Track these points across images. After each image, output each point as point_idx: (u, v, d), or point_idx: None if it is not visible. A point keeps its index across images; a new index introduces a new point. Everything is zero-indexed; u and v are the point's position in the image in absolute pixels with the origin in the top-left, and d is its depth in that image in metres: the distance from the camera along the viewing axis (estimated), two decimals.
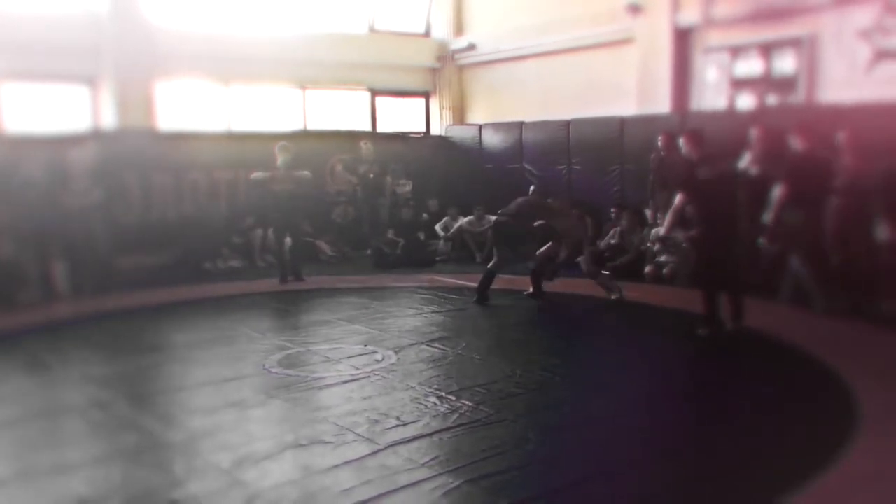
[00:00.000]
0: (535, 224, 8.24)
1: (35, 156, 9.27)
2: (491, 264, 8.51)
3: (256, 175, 9.90)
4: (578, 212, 9.29)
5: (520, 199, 8.49)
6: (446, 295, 8.97)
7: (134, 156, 10.46)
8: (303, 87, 13.07)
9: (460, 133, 13.75)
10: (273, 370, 5.95)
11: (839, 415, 4.76)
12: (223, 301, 8.82)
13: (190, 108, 11.94)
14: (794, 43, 9.51)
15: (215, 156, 11.31)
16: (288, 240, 9.94)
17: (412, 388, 5.44)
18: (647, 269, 9.30)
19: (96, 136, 10.42)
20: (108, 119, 10.97)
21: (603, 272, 8.52)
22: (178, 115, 11.66)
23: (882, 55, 8.66)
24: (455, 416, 4.85)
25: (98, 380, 5.82)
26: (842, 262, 7.63)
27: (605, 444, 4.60)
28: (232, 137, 11.89)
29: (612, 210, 10.36)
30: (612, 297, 8.27)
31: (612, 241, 10.12)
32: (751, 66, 10.07)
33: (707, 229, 6.49)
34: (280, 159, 9.78)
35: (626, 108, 10.92)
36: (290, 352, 6.47)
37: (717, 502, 3.78)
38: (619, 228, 10.14)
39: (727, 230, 6.52)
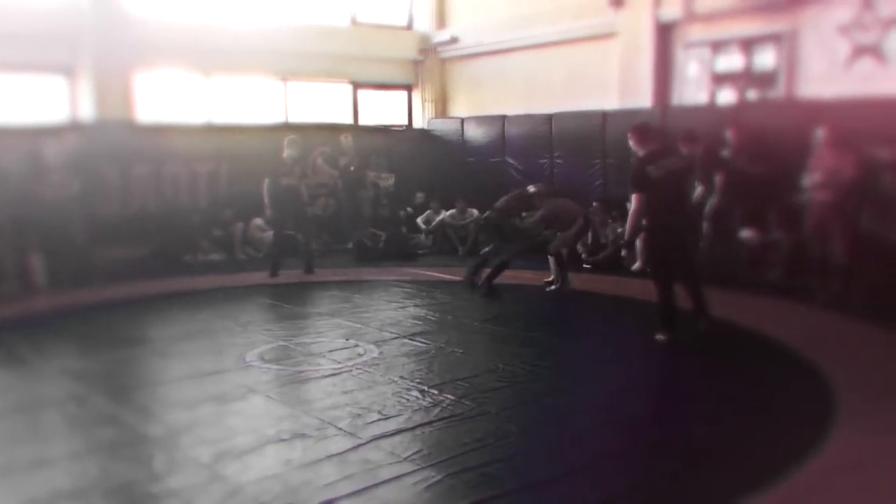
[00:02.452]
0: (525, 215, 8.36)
1: (12, 147, 9.15)
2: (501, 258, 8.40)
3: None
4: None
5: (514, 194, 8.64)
6: (428, 289, 8.96)
7: (113, 148, 10.35)
8: (284, 79, 12.98)
9: (442, 126, 13.72)
10: (254, 364, 5.92)
11: (817, 407, 4.80)
12: (203, 294, 8.76)
13: (170, 99, 11.81)
14: (775, 38, 9.57)
15: (195, 148, 11.21)
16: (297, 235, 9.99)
17: (394, 381, 5.43)
18: (637, 265, 9.31)
19: (74, 127, 10.30)
20: (87, 110, 10.83)
21: (563, 258, 8.54)
22: (157, 106, 11.53)
23: (861, 51, 8.74)
24: (437, 409, 4.85)
25: (76, 374, 5.76)
26: (820, 255, 7.73)
27: (587, 437, 4.62)
28: (212, 130, 11.78)
29: (594, 204, 10.39)
30: (549, 288, 8.45)
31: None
32: (731, 60, 10.13)
33: (654, 223, 6.23)
34: (286, 153, 9.77)
35: (608, 101, 10.95)
36: (271, 345, 6.43)
37: (696, 494, 3.81)
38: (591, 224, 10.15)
39: (677, 223, 6.29)
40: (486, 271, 8.48)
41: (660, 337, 6.31)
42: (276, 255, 9.83)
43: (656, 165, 6.14)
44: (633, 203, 6.17)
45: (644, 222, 6.28)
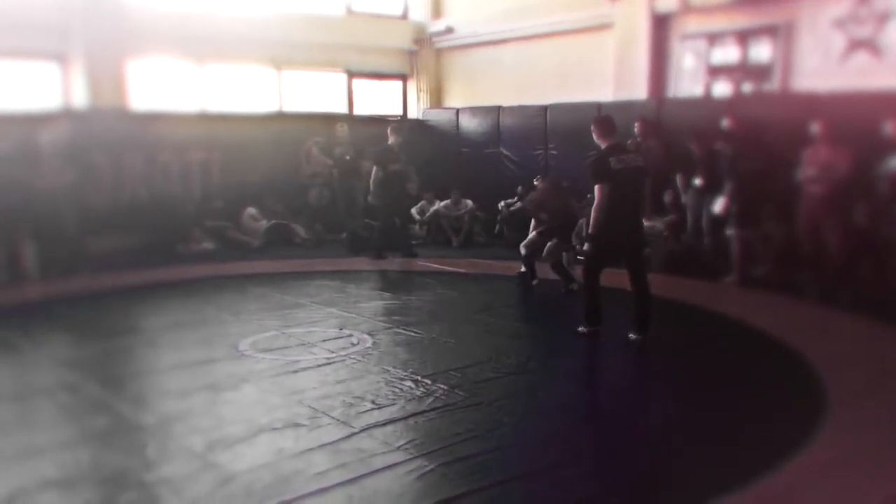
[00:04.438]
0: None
1: (4, 134, 9.08)
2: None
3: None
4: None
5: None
6: (422, 279, 8.96)
7: (105, 135, 10.28)
8: (278, 67, 12.92)
9: (437, 117, 13.68)
10: (247, 353, 5.91)
11: (806, 400, 4.82)
12: (196, 283, 8.73)
13: (163, 87, 11.74)
14: (770, 31, 9.57)
15: (188, 137, 11.16)
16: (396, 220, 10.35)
17: (387, 371, 5.43)
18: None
19: (67, 114, 10.23)
20: (80, 98, 10.76)
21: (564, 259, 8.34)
22: (150, 94, 11.47)
23: (856, 45, 8.74)
24: (430, 399, 4.85)
25: (68, 362, 5.75)
26: (812, 250, 7.76)
27: (579, 428, 4.64)
28: (205, 118, 11.72)
29: (588, 196, 10.37)
30: (572, 286, 8.02)
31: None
32: (727, 53, 10.12)
33: (606, 216, 5.95)
34: (392, 140, 10.14)
35: (604, 93, 10.91)
36: (264, 335, 6.42)
37: (686, 486, 3.82)
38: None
39: (627, 220, 6.07)
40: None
41: (581, 329, 6.23)
42: (384, 240, 10.16)
43: (617, 158, 6.04)
44: (596, 195, 6.01)
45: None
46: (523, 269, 8.49)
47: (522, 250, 8.29)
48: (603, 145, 6.22)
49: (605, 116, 6.50)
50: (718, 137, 8.57)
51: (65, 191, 9.14)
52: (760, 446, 4.15)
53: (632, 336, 6.14)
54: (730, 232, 8.32)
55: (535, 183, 8.87)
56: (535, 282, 8.31)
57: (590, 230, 6.08)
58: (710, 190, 8.57)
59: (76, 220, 9.29)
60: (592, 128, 6.31)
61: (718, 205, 8.31)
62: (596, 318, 6.21)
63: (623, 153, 6.18)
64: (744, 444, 4.23)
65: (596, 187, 6.03)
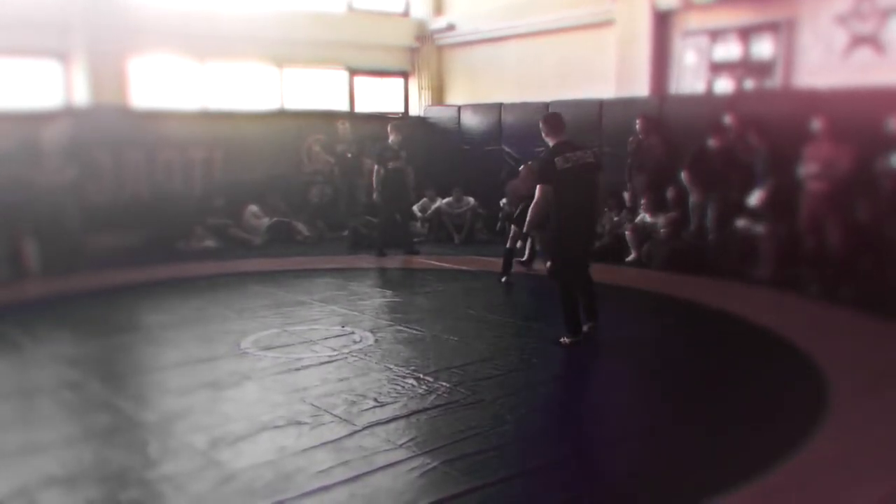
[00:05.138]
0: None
1: (6, 132, 9.08)
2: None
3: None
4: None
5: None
6: (423, 276, 8.95)
7: (107, 133, 10.28)
8: (280, 65, 12.91)
9: (439, 114, 13.68)
10: (249, 351, 5.91)
11: (808, 397, 4.81)
12: (197, 281, 8.73)
13: (164, 85, 11.74)
14: (772, 27, 9.55)
15: (189, 134, 11.16)
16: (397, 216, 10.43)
17: (390, 369, 5.43)
18: (631, 256, 9.35)
19: (69, 112, 10.23)
20: (81, 95, 10.76)
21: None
22: (152, 92, 11.47)
23: (858, 41, 8.72)
24: (432, 397, 4.85)
25: (70, 360, 5.74)
26: (813, 247, 7.75)
27: (581, 425, 4.64)
28: (207, 116, 11.72)
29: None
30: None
31: None
32: (729, 49, 10.10)
33: (565, 220, 5.85)
34: (392, 138, 10.23)
35: (605, 90, 10.90)
36: (266, 332, 6.42)
37: (687, 483, 3.81)
38: None
39: (585, 221, 6.01)
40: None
41: (564, 340, 6.00)
42: (384, 237, 10.19)
43: (564, 157, 5.84)
44: (536, 194, 5.83)
45: (555, 218, 5.92)
46: (522, 259, 8.67)
47: (508, 244, 8.42)
48: (551, 143, 6.04)
49: (552, 114, 6.26)
50: (750, 132, 8.51)
51: (66, 188, 9.16)
52: (761, 444, 4.14)
53: (585, 328, 6.09)
54: (751, 226, 8.28)
55: (521, 169, 8.91)
56: (503, 279, 8.38)
57: (524, 228, 5.97)
58: (728, 185, 8.52)
59: (77, 217, 9.30)
60: (541, 125, 6.14)
61: (755, 197, 8.25)
62: (578, 328, 6.03)
63: (570, 150, 5.95)
64: (744, 441, 4.22)
65: (537, 187, 5.85)
